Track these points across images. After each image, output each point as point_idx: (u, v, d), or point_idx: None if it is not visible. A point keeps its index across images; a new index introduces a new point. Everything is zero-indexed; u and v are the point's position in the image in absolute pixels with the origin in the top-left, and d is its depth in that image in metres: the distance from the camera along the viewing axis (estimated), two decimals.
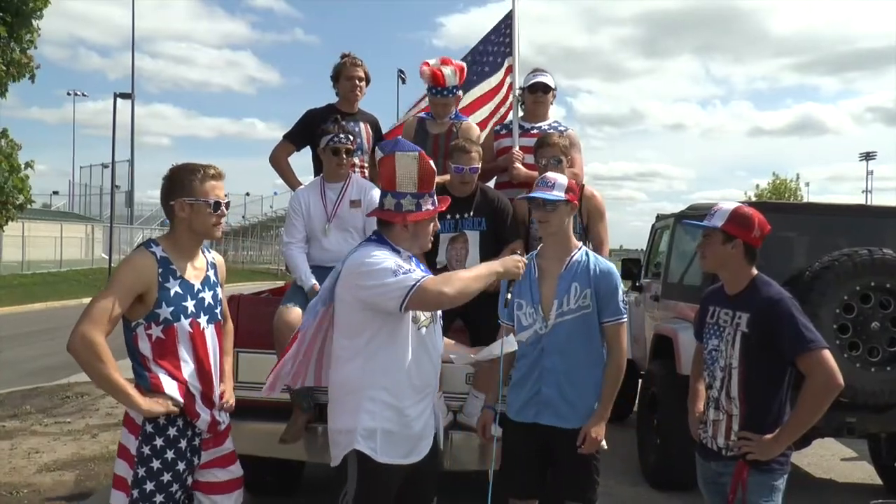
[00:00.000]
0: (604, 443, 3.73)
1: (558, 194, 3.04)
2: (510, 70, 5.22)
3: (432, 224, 2.78)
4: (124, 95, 26.74)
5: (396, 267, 2.55)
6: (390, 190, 2.70)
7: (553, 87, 4.94)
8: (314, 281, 3.91)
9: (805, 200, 30.56)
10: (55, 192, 48.50)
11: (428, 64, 4.58)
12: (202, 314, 2.66)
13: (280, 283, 6.45)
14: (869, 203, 31.43)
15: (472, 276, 2.65)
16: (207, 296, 2.70)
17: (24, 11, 5.13)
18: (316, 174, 4.59)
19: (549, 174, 3.19)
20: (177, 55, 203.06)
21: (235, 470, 2.82)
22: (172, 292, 2.56)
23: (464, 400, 3.84)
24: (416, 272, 2.59)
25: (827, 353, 2.58)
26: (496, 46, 5.30)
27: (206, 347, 2.68)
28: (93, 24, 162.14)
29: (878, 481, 5.75)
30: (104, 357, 2.40)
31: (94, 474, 4.98)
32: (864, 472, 6.10)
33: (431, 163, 2.74)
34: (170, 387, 2.56)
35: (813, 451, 6.35)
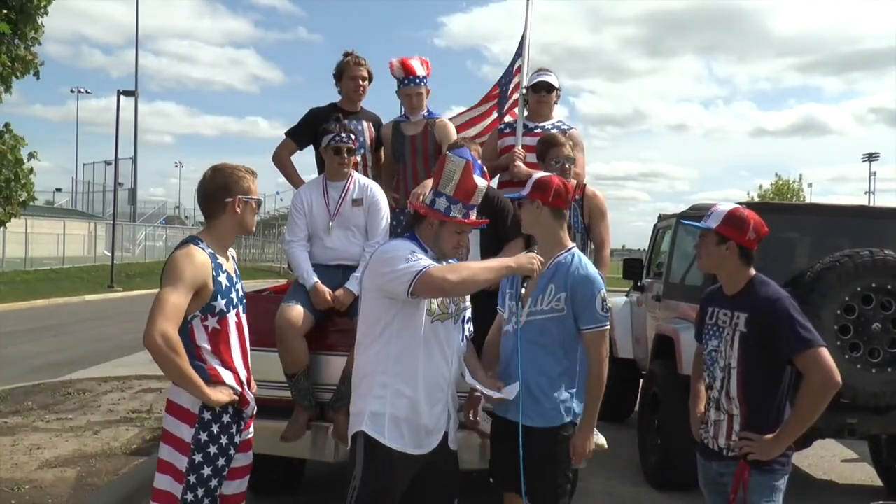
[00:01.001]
0: (604, 442, 3.73)
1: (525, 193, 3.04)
2: (518, 71, 5.23)
3: (459, 237, 2.81)
4: (128, 93, 26.76)
5: (410, 255, 2.64)
6: (434, 187, 2.82)
7: (557, 86, 4.95)
8: (316, 279, 3.92)
9: (807, 201, 30.47)
10: (58, 189, 48.73)
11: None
12: (240, 304, 2.83)
13: (282, 282, 6.45)
14: (871, 204, 31.39)
15: (481, 267, 2.73)
16: (239, 286, 2.87)
17: (29, 8, 5.14)
18: (320, 173, 4.61)
19: (541, 175, 3.18)
20: (179, 53, 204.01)
21: (251, 455, 2.93)
22: (224, 285, 2.72)
23: (465, 399, 3.84)
24: (426, 260, 2.66)
25: (824, 352, 2.58)
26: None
27: (245, 335, 2.84)
28: (96, 22, 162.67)
29: (879, 483, 5.75)
30: (181, 351, 2.53)
31: (96, 471, 4.98)
32: (865, 474, 6.10)
33: (478, 178, 2.79)
34: (227, 377, 2.70)
35: (813, 452, 6.35)
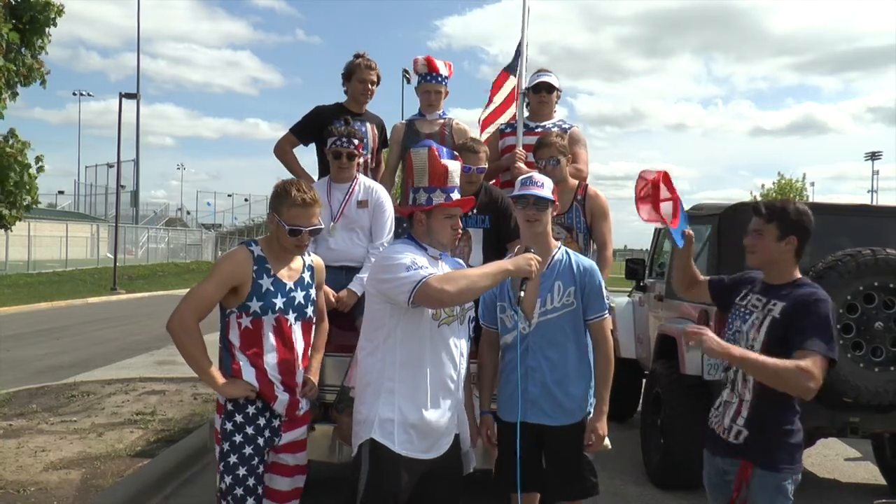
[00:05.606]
0: (608, 442, 3.74)
1: (548, 194, 3.08)
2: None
3: (451, 222, 2.82)
4: (129, 96, 26.74)
5: (411, 263, 2.63)
6: (410, 186, 2.84)
7: (557, 87, 4.98)
8: None
9: (809, 200, 30.34)
10: (61, 192, 48.71)
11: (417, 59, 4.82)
12: (290, 311, 2.86)
13: None
14: (873, 203, 31.32)
15: (478, 273, 2.72)
16: (299, 295, 2.90)
17: (39, 20, 5.17)
18: (320, 171, 4.62)
19: (536, 174, 3.22)
20: (178, 56, 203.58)
21: (302, 458, 3.01)
22: (264, 289, 2.80)
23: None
24: (427, 269, 2.65)
25: (823, 364, 2.49)
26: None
27: (293, 341, 2.87)
28: (92, 25, 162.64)
29: (882, 481, 5.75)
30: (196, 340, 2.72)
31: (101, 472, 5.00)
32: (868, 472, 6.10)
33: (445, 160, 2.81)
34: (248, 374, 2.79)
35: (817, 450, 6.36)
